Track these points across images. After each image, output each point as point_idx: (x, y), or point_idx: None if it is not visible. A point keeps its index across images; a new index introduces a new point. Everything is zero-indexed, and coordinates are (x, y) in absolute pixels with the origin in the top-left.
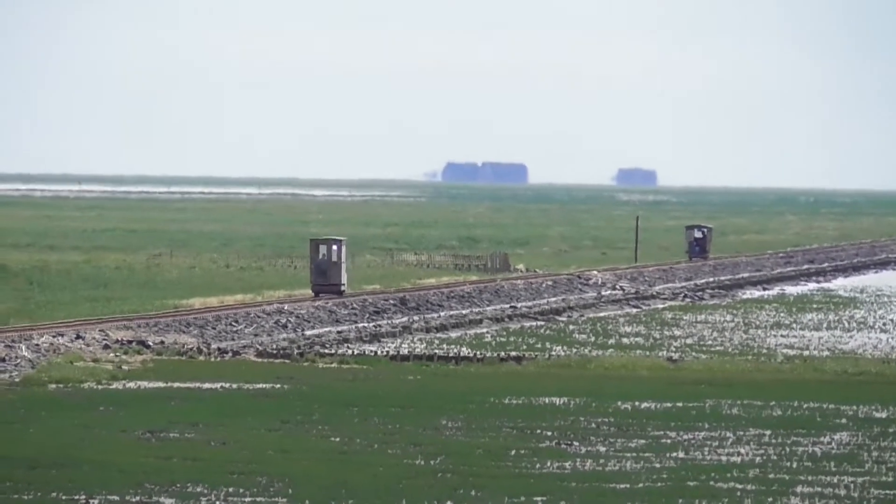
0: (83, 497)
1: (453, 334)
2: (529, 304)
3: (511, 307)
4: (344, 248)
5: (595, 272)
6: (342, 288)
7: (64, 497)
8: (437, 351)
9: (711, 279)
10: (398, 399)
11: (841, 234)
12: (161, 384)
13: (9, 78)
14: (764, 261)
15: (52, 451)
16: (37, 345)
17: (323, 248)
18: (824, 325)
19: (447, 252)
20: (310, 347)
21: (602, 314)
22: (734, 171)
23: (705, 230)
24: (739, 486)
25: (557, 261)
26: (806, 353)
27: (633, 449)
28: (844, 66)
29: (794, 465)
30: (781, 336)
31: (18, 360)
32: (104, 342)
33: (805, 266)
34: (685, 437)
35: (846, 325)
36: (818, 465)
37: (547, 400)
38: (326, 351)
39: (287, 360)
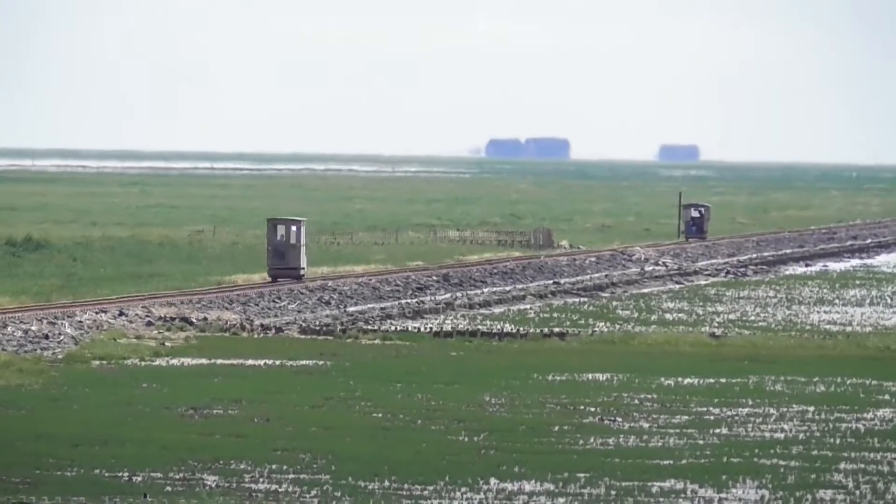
0: (126, 474)
1: (496, 310)
2: (572, 280)
3: (554, 283)
4: (303, 230)
5: (638, 248)
6: (301, 272)
7: (107, 474)
8: (480, 327)
9: (754, 255)
10: (441, 375)
11: (884, 210)
12: (204, 361)
13: (49, 53)
14: (807, 237)
15: (95, 428)
16: (80, 321)
17: (281, 229)
18: (867, 301)
19: (490, 228)
20: (353, 324)
21: (645, 290)
22: (777, 147)
23: (703, 209)
24: (783, 463)
25: (600, 237)
26: (849, 329)
27: (676, 425)
28: (889, 41)
29: (838, 441)
30: (824, 312)
31: (61, 337)
32: (147, 319)
33: (848, 242)
34: (728, 413)
35: (889, 301)
36: (861, 442)
37: (590, 376)
38: (369, 327)
39: (330, 337)
